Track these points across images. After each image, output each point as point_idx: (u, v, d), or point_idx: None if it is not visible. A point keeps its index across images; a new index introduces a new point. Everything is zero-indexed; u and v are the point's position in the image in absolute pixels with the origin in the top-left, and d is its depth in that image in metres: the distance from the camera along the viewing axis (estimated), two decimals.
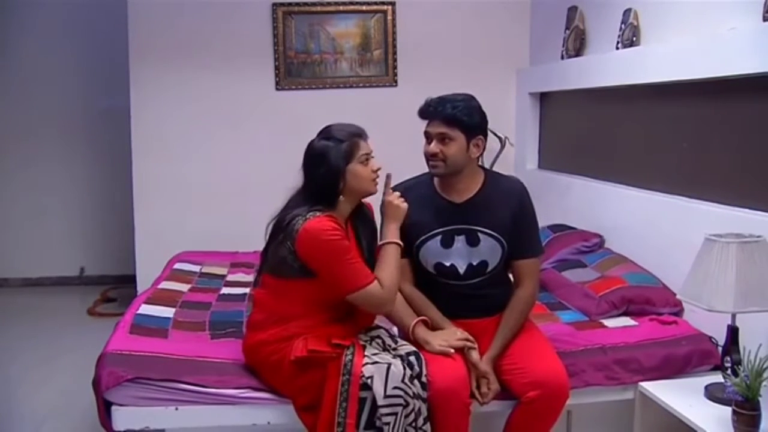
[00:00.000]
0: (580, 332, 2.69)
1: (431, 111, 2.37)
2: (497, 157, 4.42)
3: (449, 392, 2.18)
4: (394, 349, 2.26)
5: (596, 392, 2.48)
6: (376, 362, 2.14)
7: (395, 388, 2.10)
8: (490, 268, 2.41)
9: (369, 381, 2.10)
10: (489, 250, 2.40)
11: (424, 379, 2.17)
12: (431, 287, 2.45)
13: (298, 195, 2.29)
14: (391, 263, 2.26)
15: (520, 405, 2.25)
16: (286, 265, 2.19)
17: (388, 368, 2.12)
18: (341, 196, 2.25)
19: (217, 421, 2.31)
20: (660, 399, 2.25)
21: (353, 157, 2.24)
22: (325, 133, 2.29)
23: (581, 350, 2.53)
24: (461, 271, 2.41)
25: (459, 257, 2.41)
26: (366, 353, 2.18)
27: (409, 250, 2.43)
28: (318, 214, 2.17)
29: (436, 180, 2.46)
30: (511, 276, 2.52)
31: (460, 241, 2.40)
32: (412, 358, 2.19)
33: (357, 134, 2.28)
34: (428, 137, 2.37)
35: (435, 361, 2.23)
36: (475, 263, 2.40)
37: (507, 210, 2.40)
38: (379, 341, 2.31)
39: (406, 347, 2.27)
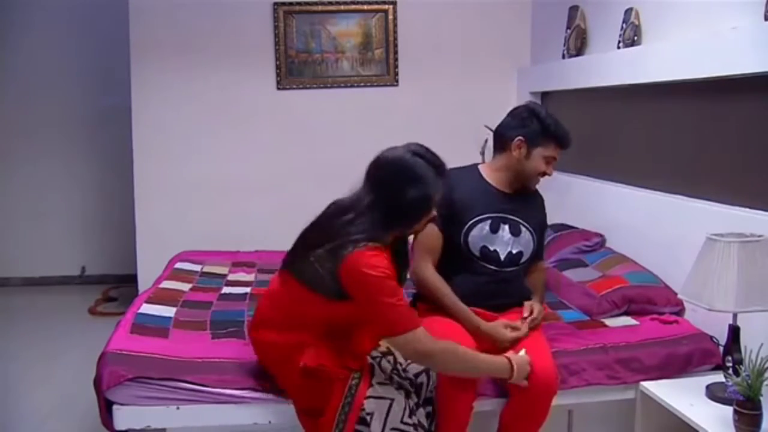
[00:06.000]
0: (581, 331, 2.69)
1: (568, 146, 2.52)
2: None
3: (458, 391, 2.20)
4: (404, 370, 2.18)
5: (597, 391, 2.49)
6: (380, 397, 2.05)
7: (393, 429, 2.03)
8: (523, 260, 2.55)
9: (368, 418, 2.01)
10: (526, 242, 2.55)
11: (430, 393, 2.17)
12: (469, 270, 2.48)
13: (357, 206, 2.04)
14: (475, 358, 2.14)
15: (509, 400, 2.30)
16: (322, 282, 2.02)
17: (390, 406, 2.04)
18: (407, 230, 2.09)
19: (218, 421, 2.31)
20: (661, 398, 2.25)
21: (435, 202, 2.10)
22: (426, 157, 2.06)
23: (582, 349, 2.53)
24: (502, 257, 2.51)
25: (502, 244, 2.51)
26: (372, 381, 2.08)
27: (457, 231, 2.48)
28: (371, 244, 1.97)
29: (483, 171, 2.59)
30: None
31: (505, 229, 2.52)
32: (421, 378, 2.16)
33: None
34: (551, 161, 2.51)
35: None
36: (514, 252, 2.52)
37: (541, 213, 2.67)
38: (390, 358, 2.20)
39: (417, 366, 2.19)
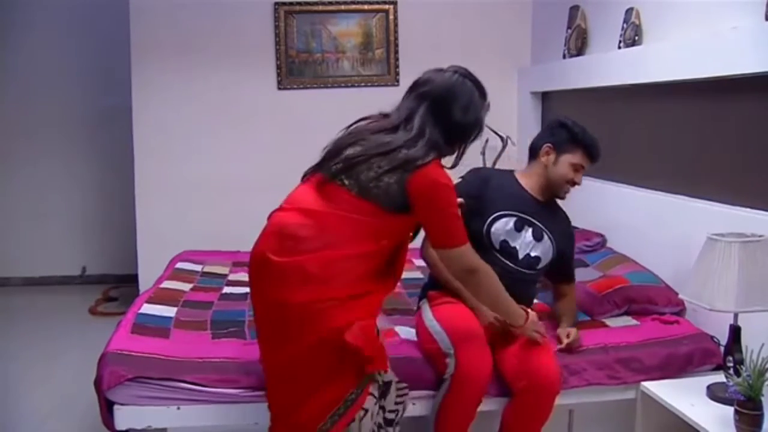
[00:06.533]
0: (582, 331, 2.67)
1: (597, 155, 2.61)
2: (499, 156, 4.42)
3: (473, 382, 2.24)
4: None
5: (598, 391, 2.48)
6: (372, 394, 2.06)
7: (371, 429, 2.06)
8: (539, 266, 2.59)
9: (364, 414, 2.02)
10: (545, 250, 2.59)
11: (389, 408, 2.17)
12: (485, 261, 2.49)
13: (412, 124, 2.06)
14: (504, 291, 2.23)
15: (512, 399, 2.33)
16: (386, 192, 2.01)
17: (376, 404, 2.08)
18: (461, 148, 2.13)
19: (219, 421, 2.32)
20: (662, 398, 2.25)
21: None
22: (471, 79, 2.14)
23: (583, 349, 2.53)
24: (520, 256, 2.55)
25: (522, 244, 2.56)
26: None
27: (482, 221, 2.54)
28: (435, 158, 2.04)
29: (518, 176, 2.67)
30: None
31: (528, 231, 2.57)
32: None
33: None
34: (579, 169, 2.59)
35: (468, 350, 2.25)
36: (532, 255, 2.57)
37: (565, 229, 2.69)
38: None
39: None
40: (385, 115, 2.18)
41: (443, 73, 2.15)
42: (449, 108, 2.08)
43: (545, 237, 2.59)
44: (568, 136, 2.58)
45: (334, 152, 2.12)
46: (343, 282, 2.01)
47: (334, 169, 2.08)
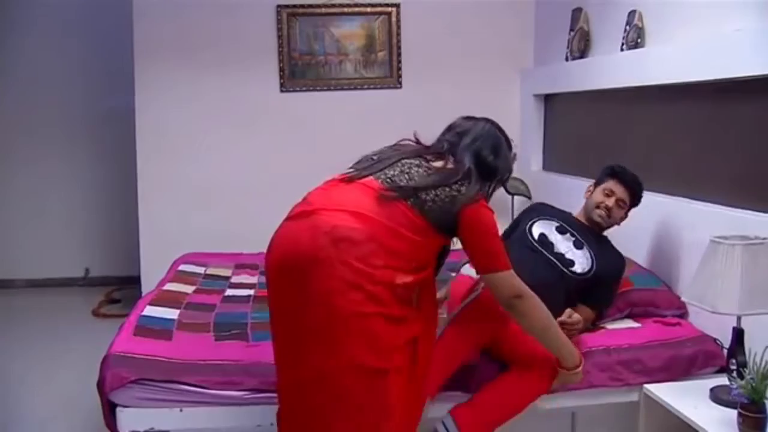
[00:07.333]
0: (584, 334, 2.68)
1: (629, 181, 2.81)
2: None
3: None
4: None
5: (600, 394, 2.48)
6: None
7: None
8: (572, 268, 2.65)
9: None
10: (583, 260, 2.69)
11: None
12: (519, 244, 2.63)
13: (454, 161, 2.16)
14: (554, 322, 2.25)
15: (506, 372, 2.38)
16: (439, 215, 2.05)
17: None
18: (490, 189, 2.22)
19: (221, 423, 2.32)
20: (664, 401, 2.24)
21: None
22: (499, 129, 2.28)
23: (585, 351, 2.52)
24: (554, 250, 2.68)
25: (561, 244, 2.72)
26: None
27: (525, 222, 2.80)
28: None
29: (575, 215, 2.91)
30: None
31: (570, 239, 2.75)
32: None
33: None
34: (610, 194, 2.81)
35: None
36: (567, 256, 2.68)
37: (613, 261, 2.76)
38: None
39: None
40: (419, 142, 2.27)
41: (476, 120, 2.28)
42: (481, 149, 2.19)
43: (585, 249, 2.71)
44: (606, 172, 2.87)
45: (389, 162, 2.14)
46: (385, 301, 1.95)
47: (396, 179, 2.08)
